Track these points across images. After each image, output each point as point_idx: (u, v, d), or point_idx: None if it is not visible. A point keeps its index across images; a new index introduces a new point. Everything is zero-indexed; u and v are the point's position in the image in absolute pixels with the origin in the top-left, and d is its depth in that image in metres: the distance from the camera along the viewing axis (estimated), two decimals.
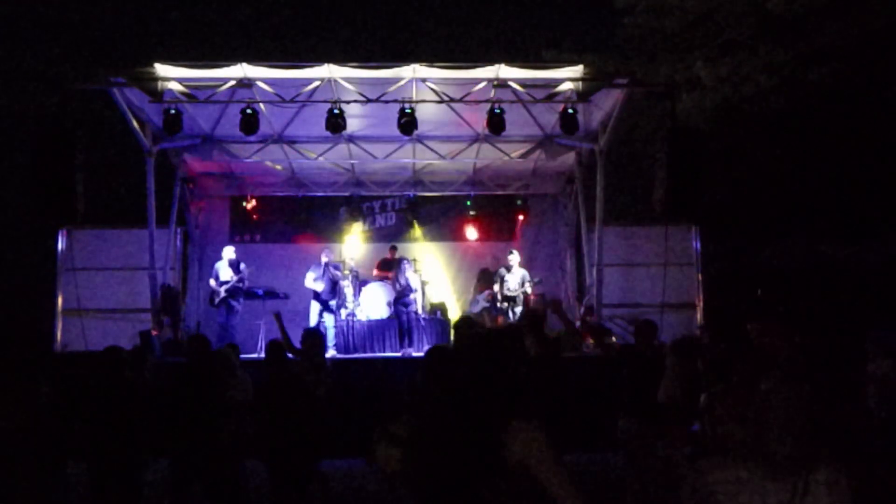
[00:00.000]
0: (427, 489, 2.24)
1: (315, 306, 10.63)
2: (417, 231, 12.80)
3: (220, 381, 5.13)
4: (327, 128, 8.95)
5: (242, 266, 10.53)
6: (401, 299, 10.43)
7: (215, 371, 5.16)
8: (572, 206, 12.17)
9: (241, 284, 10.43)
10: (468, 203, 12.55)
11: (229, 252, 10.63)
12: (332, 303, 10.70)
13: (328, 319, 10.62)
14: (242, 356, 7.45)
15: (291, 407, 4.99)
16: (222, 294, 10.33)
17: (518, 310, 10.63)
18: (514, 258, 10.77)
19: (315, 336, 5.94)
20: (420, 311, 10.88)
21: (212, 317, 11.25)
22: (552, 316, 5.85)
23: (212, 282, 10.53)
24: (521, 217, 12.84)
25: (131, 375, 5.16)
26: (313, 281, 10.61)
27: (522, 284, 10.61)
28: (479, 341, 2.37)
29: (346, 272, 11.27)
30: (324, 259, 10.74)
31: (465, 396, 2.24)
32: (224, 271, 10.46)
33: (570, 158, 11.68)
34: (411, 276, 10.55)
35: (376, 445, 2.50)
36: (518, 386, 2.27)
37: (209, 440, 4.78)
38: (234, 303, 10.44)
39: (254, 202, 12.32)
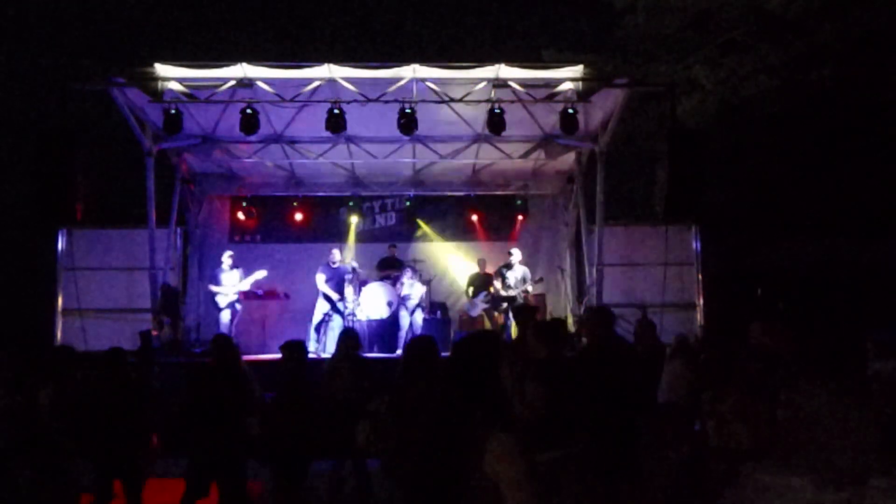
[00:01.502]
0: (409, 476, 2.26)
1: (323, 306, 10.52)
2: (417, 231, 12.79)
3: (245, 379, 5.14)
4: (327, 128, 8.94)
5: (257, 273, 10.48)
6: (402, 303, 10.47)
7: (241, 369, 5.16)
8: (572, 206, 12.16)
9: (249, 288, 10.45)
10: (468, 203, 12.53)
11: (229, 256, 10.62)
12: (341, 305, 10.62)
13: (336, 320, 10.57)
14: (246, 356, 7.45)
15: (303, 408, 4.99)
16: (231, 298, 10.32)
17: None
18: (515, 256, 10.77)
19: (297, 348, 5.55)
20: (420, 313, 10.83)
21: (212, 317, 11.25)
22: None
23: (212, 287, 10.47)
24: (521, 217, 12.83)
25: (136, 376, 5.18)
26: (325, 282, 10.53)
27: (524, 281, 10.60)
28: (463, 349, 2.37)
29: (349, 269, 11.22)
30: (336, 257, 10.66)
31: (451, 402, 2.25)
32: (226, 275, 10.44)
33: (570, 158, 11.68)
34: (409, 283, 10.56)
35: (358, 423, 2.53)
36: (501, 395, 2.27)
37: (232, 439, 4.79)
38: (237, 305, 10.47)
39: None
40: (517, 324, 4.97)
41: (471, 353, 2.33)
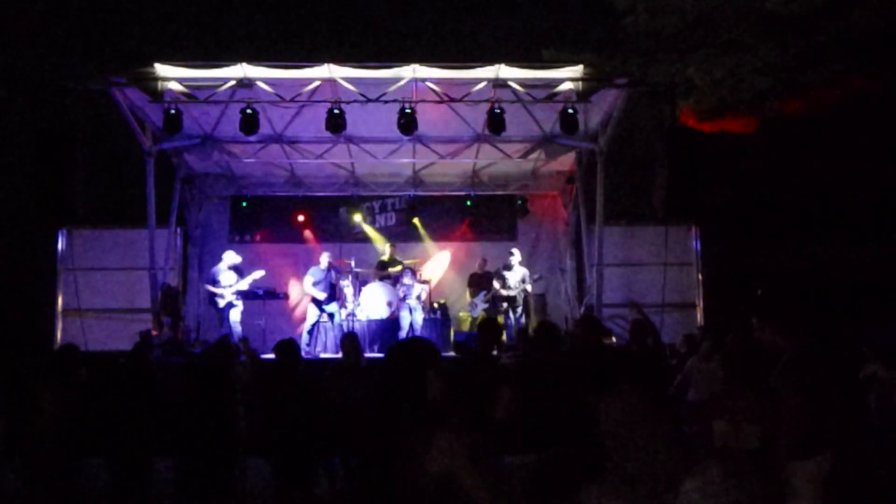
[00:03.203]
0: (368, 486, 2.32)
1: (313, 310, 10.52)
2: (417, 231, 12.79)
3: (234, 379, 5.14)
4: (327, 128, 8.94)
5: (254, 273, 10.46)
6: (402, 303, 10.48)
7: (231, 371, 5.18)
8: (572, 206, 12.16)
9: (248, 287, 10.42)
10: (468, 203, 12.53)
11: (231, 257, 10.56)
12: (331, 307, 10.59)
13: (327, 321, 10.56)
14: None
15: (299, 406, 5.00)
16: (228, 298, 10.28)
17: (519, 309, 10.64)
18: (515, 257, 10.76)
19: (291, 346, 5.60)
20: (420, 312, 10.82)
21: (213, 316, 11.25)
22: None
23: (209, 286, 10.40)
24: (520, 217, 12.82)
25: (160, 376, 5.21)
26: (312, 286, 10.53)
27: (523, 282, 10.59)
28: (394, 353, 2.43)
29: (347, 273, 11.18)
30: (324, 261, 10.68)
31: (382, 407, 2.31)
32: (224, 275, 10.39)
33: (570, 158, 11.68)
34: (409, 283, 10.55)
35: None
36: (432, 397, 2.31)
37: (220, 439, 4.79)
38: (236, 304, 10.42)
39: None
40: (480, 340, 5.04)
41: (399, 359, 2.40)
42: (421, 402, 2.27)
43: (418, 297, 10.65)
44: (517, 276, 10.63)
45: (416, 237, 12.77)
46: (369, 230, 12.80)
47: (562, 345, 4.31)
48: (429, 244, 12.81)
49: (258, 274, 10.40)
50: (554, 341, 4.38)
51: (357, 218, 12.62)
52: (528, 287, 10.63)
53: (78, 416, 4.65)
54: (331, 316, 10.54)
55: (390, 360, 2.42)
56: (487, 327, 4.85)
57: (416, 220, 12.70)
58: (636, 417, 2.08)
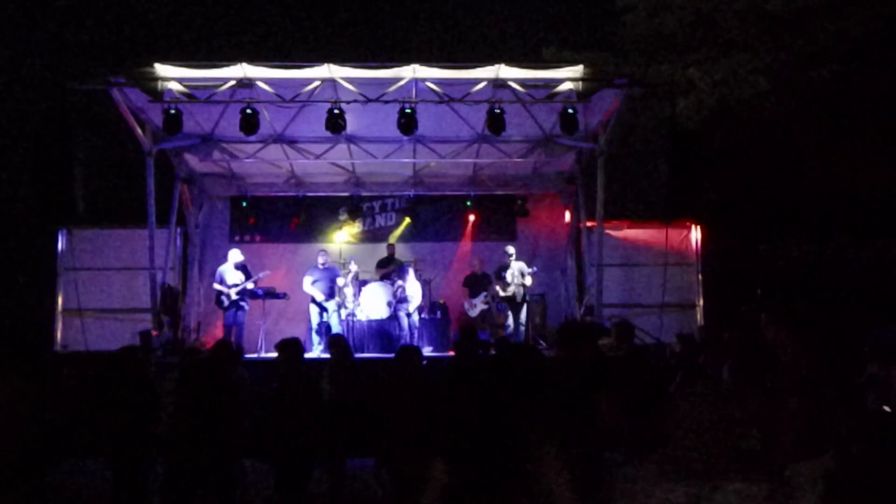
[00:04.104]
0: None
1: (314, 310, 10.62)
2: (417, 231, 12.78)
3: (225, 380, 5.13)
4: (327, 128, 8.94)
5: (261, 273, 10.52)
6: (400, 303, 10.48)
7: (231, 372, 5.18)
8: (572, 206, 12.16)
9: (252, 287, 10.42)
10: (468, 203, 12.53)
11: (236, 255, 10.57)
12: (331, 304, 10.64)
13: (333, 320, 10.60)
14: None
15: (300, 407, 5.00)
16: (233, 297, 10.29)
17: (522, 313, 10.62)
18: (511, 254, 10.75)
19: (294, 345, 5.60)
20: (417, 314, 10.79)
21: (213, 316, 11.25)
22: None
23: (217, 285, 10.44)
24: (520, 217, 12.81)
25: (154, 374, 5.20)
26: (311, 285, 10.60)
27: (522, 276, 10.57)
28: (505, 358, 2.37)
29: (347, 272, 11.18)
30: (321, 260, 10.74)
31: (495, 411, 2.22)
32: (231, 274, 10.41)
33: (570, 158, 11.68)
34: (410, 283, 10.56)
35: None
36: (543, 404, 2.26)
37: (213, 441, 4.78)
38: (243, 304, 10.43)
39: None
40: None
41: (515, 368, 2.32)
42: (540, 414, 2.21)
43: (418, 297, 10.63)
44: (514, 272, 10.62)
45: (416, 237, 12.77)
46: (369, 230, 12.81)
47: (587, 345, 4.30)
48: (428, 244, 12.79)
49: (263, 274, 10.46)
50: (577, 342, 4.37)
51: (357, 218, 12.62)
52: (528, 281, 10.60)
53: (49, 415, 4.54)
54: (323, 310, 10.56)
55: (515, 368, 2.35)
56: (465, 333, 5.32)
57: (415, 221, 12.70)
58: (689, 408, 2.07)
